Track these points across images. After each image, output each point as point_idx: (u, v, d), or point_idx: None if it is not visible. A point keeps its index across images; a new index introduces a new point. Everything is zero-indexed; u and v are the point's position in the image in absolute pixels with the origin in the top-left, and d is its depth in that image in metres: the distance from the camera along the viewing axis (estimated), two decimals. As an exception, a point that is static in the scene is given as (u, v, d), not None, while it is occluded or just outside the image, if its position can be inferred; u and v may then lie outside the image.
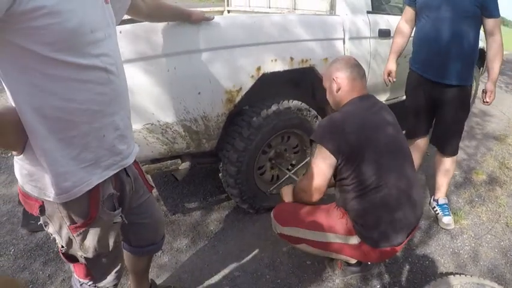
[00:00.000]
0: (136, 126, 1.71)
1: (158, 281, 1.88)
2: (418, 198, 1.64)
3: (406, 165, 1.60)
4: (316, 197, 1.61)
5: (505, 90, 6.29)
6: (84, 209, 1.03)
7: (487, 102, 2.19)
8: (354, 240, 1.58)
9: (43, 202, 1.00)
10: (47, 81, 0.85)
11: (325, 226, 1.61)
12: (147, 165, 1.94)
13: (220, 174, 2.21)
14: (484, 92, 2.18)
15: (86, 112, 0.93)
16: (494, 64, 2.12)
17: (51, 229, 1.08)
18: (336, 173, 1.60)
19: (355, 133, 1.50)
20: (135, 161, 1.22)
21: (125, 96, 1.10)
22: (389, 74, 2.38)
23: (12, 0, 0.71)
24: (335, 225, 1.60)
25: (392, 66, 2.36)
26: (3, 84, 0.85)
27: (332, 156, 1.51)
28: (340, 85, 1.65)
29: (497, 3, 2.02)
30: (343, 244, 1.61)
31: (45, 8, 0.76)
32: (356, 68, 1.66)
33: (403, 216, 1.55)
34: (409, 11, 2.28)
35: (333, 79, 1.66)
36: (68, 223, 1.03)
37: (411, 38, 2.34)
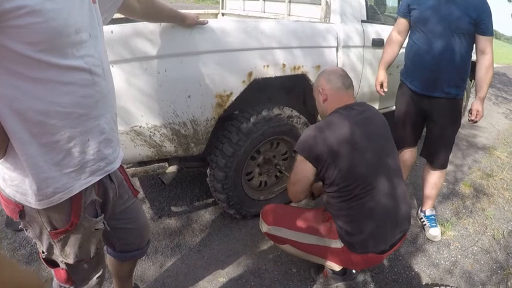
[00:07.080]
0: (124, 128, 1.69)
1: (142, 285, 1.85)
2: (405, 208, 1.66)
3: (391, 174, 1.63)
4: (298, 198, 1.75)
5: (494, 103, 6.36)
6: (66, 215, 1.01)
7: (471, 120, 2.13)
8: (337, 244, 1.64)
9: (23, 207, 0.97)
10: (29, 83, 0.82)
11: (309, 228, 1.70)
12: (133, 168, 1.91)
13: (207, 179, 2.19)
14: (470, 112, 2.14)
15: (69, 116, 0.90)
16: (483, 84, 2.09)
17: (31, 234, 1.05)
18: (322, 180, 1.67)
19: (334, 144, 1.56)
20: (120, 165, 1.19)
21: (111, 98, 1.06)
22: (381, 85, 2.37)
23: None
24: (318, 228, 1.68)
25: (383, 76, 2.35)
26: None
27: (311, 165, 1.61)
28: (325, 96, 1.71)
29: (491, 22, 2.02)
30: (326, 247, 1.67)
31: (27, 7, 0.74)
32: (341, 78, 1.71)
33: (385, 225, 1.59)
34: (402, 23, 2.28)
35: (319, 90, 1.74)
36: (49, 229, 1.01)
37: (403, 50, 2.35)
